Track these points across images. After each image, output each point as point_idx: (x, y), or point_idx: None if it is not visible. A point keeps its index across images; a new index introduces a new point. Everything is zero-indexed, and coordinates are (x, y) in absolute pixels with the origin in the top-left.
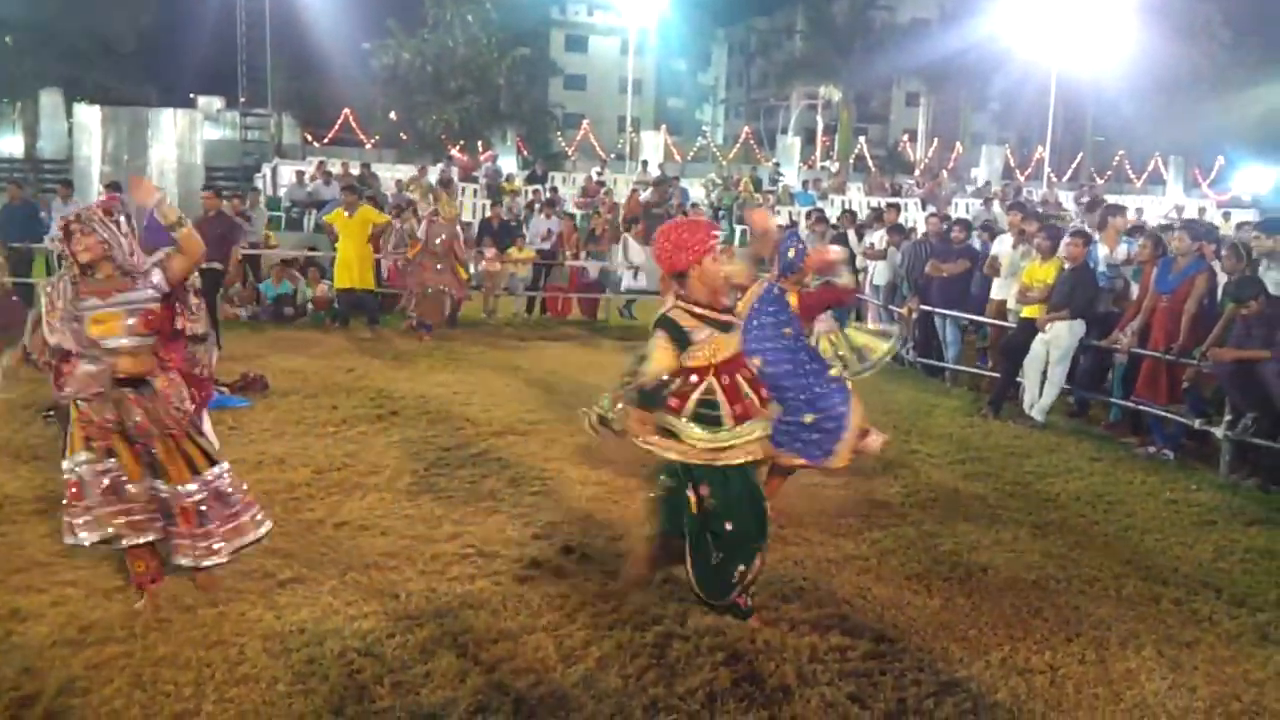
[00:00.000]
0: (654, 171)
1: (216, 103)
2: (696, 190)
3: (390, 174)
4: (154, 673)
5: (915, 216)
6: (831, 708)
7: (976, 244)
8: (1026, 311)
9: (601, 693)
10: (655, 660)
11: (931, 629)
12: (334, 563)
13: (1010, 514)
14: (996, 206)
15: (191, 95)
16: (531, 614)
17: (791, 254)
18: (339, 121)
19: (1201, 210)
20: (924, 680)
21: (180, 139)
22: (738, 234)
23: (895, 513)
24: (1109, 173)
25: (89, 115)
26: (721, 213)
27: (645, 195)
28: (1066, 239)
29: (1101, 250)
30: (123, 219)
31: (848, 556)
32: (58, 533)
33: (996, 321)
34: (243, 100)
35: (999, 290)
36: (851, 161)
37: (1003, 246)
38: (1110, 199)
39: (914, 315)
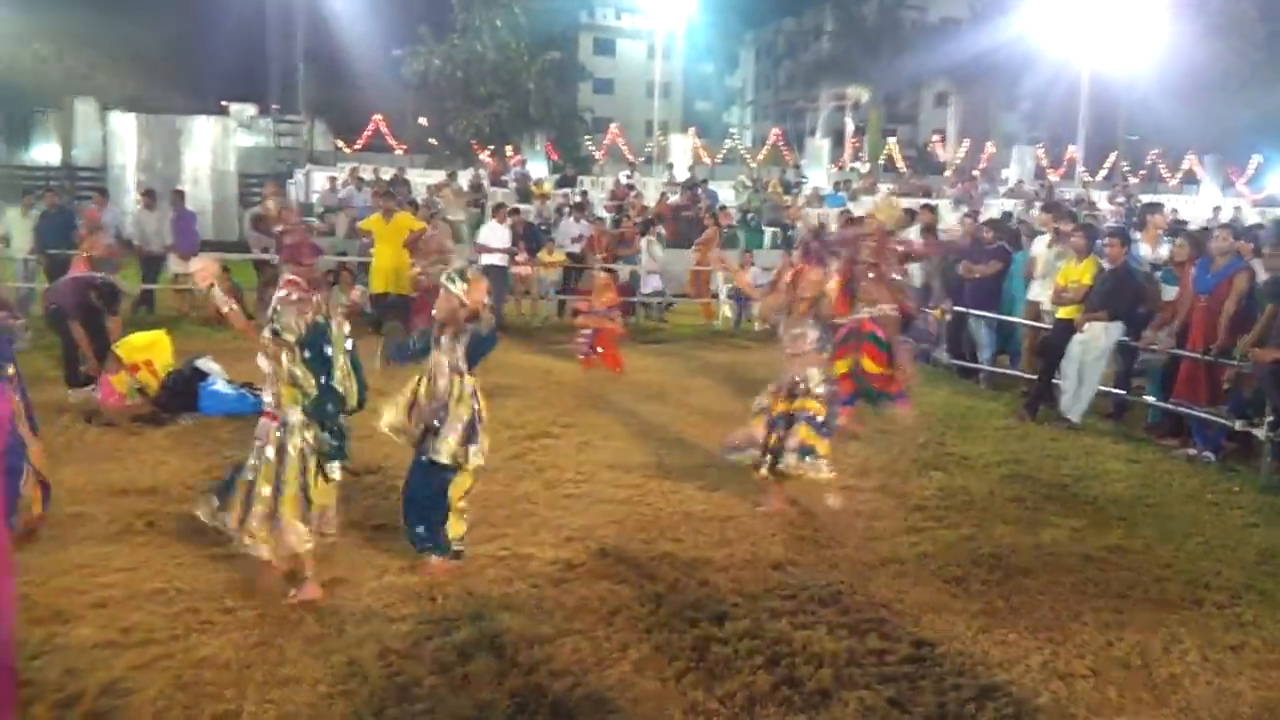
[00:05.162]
0: (682, 175)
1: (249, 110)
2: (726, 193)
3: (422, 179)
4: (195, 674)
5: (947, 218)
6: (871, 711)
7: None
8: (1063, 312)
9: (640, 696)
10: (694, 663)
11: (971, 632)
12: (371, 565)
13: (1048, 517)
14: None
15: (224, 102)
16: (568, 616)
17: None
18: (370, 128)
19: (1237, 210)
20: (964, 684)
21: (214, 146)
22: (768, 236)
23: (932, 515)
24: (1143, 172)
25: (123, 123)
26: (751, 215)
27: (674, 199)
28: (1105, 239)
29: (1143, 249)
30: None
31: (884, 560)
32: (97, 536)
33: (1032, 323)
34: (275, 107)
35: (1034, 291)
36: (881, 162)
37: (1038, 247)
38: (1145, 199)
39: (947, 317)
